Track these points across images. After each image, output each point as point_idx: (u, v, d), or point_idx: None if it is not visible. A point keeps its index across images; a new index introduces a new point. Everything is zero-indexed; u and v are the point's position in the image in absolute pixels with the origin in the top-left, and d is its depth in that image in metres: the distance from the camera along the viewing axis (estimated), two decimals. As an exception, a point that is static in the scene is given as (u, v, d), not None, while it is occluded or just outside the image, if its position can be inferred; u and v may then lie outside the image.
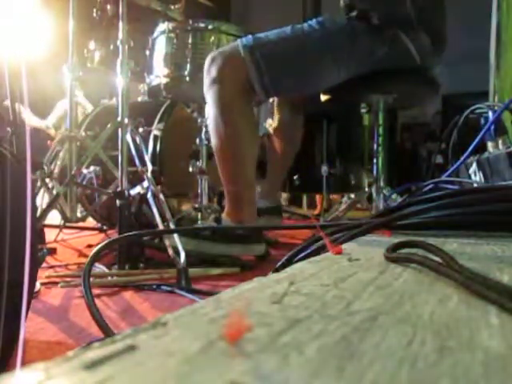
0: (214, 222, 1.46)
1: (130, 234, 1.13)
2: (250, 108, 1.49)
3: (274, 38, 1.43)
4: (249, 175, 1.44)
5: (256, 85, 1.40)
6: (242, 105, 1.42)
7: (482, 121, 1.53)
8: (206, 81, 1.43)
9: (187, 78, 1.70)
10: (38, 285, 1.06)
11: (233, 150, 1.42)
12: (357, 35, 1.46)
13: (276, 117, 1.93)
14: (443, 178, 1.30)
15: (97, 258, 0.70)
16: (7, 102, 1.18)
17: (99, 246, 0.69)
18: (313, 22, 1.47)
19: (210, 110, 1.44)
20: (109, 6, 1.93)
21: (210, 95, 1.43)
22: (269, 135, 2.01)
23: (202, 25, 1.71)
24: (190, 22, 1.72)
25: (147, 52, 1.84)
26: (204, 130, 1.89)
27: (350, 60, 1.47)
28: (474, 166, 1.33)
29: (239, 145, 1.41)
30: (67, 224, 1.75)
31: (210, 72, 1.42)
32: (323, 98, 1.70)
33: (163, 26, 1.74)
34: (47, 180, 1.61)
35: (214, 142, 1.44)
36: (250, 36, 1.44)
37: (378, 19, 1.46)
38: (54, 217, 1.69)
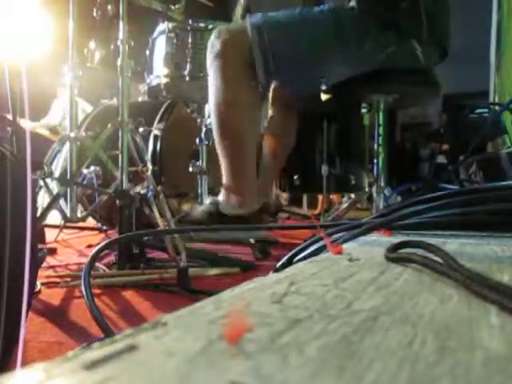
0: (210, 205, 1.45)
1: (130, 233, 1.13)
2: (251, 84, 1.45)
3: (283, 20, 1.40)
4: (248, 148, 1.42)
5: (258, 67, 1.38)
6: (244, 80, 1.40)
7: (482, 121, 1.53)
8: (210, 55, 1.41)
9: (187, 78, 1.70)
10: (38, 285, 1.06)
11: (233, 123, 1.39)
12: (368, 30, 1.42)
13: (269, 113, 1.93)
14: (443, 178, 1.30)
15: (97, 257, 0.70)
16: (7, 103, 1.18)
17: (99, 246, 0.69)
18: (325, 7, 1.43)
19: (212, 85, 1.42)
20: (109, 6, 1.93)
21: (212, 69, 1.41)
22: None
23: (201, 25, 1.71)
24: (190, 21, 1.72)
25: (147, 52, 1.84)
26: (204, 129, 1.89)
27: (358, 55, 1.44)
28: (474, 166, 1.33)
29: (239, 118, 1.39)
30: (67, 224, 1.75)
31: (214, 46, 1.40)
32: (324, 97, 1.70)
33: (163, 26, 1.74)
34: (47, 180, 1.61)
35: (213, 116, 1.42)
36: (259, 15, 1.41)
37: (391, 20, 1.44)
38: (54, 217, 1.68)
